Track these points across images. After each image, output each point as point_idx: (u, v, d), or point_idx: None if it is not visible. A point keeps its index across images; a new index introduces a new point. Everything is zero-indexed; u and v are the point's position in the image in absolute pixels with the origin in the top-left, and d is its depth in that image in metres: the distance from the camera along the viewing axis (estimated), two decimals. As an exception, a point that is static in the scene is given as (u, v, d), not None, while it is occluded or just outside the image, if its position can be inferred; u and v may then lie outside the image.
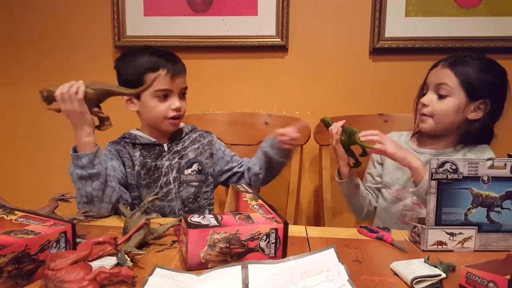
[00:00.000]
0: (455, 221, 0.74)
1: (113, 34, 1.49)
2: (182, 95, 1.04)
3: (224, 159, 1.12)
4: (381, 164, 1.11)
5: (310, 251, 0.72)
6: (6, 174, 1.64)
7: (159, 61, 0.99)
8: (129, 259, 0.62)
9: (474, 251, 0.75)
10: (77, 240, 0.69)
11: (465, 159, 0.73)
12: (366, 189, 1.12)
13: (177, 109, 1.00)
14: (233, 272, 0.61)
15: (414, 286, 0.59)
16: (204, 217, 0.69)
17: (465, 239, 0.74)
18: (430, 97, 0.99)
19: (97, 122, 0.92)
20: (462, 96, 0.95)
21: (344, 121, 0.99)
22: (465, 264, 0.60)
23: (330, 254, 0.65)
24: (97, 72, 1.51)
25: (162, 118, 1.00)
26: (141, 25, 1.47)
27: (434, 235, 0.74)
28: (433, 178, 0.73)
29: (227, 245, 0.65)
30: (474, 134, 0.98)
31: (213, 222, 0.67)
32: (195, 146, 1.08)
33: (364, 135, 0.94)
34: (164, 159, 1.04)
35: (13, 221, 0.68)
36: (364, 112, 1.35)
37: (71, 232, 0.67)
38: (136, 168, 1.01)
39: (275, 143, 1.05)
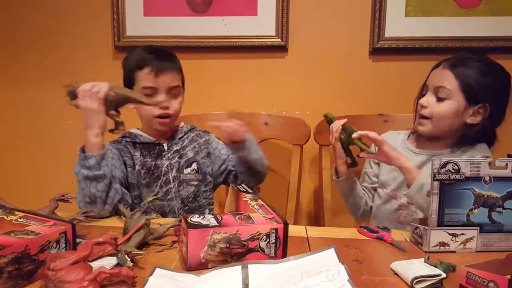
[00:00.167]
0: (457, 222, 0.74)
1: (113, 34, 1.49)
2: (171, 93, 1.02)
3: (220, 158, 1.12)
4: (378, 164, 1.11)
5: (310, 251, 0.72)
6: (6, 174, 1.64)
7: (146, 59, 0.99)
8: (129, 259, 0.62)
9: (476, 251, 0.74)
10: (77, 240, 0.69)
11: (467, 160, 0.73)
12: (362, 188, 1.12)
13: (164, 108, 0.99)
14: (233, 272, 0.61)
15: (414, 286, 0.59)
16: (204, 217, 0.69)
17: (467, 240, 0.74)
18: (428, 99, 0.98)
19: (111, 126, 0.92)
20: (461, 99, 0.94)
21: (346, 119, 0.99)
22: (465, 264, 0.60)
23: (330, 254, 0.65)
24: (97, 72, 1.51)
25: (151, 116, 1.01)
26: (141, 25, 1.47)
27: (437, 236, 0.74)
28: (435, 178, 0.72)
29: (227, 245, 0.65)
30: (472, 137, 0.98)
31: (213, 222, 0.67)
32: (193, 145, 1.08)
33: (360, 134, 0.94)
34: (164, 158, 1.04)
35: (13, 221, 0.68)
36: (364, 112, 1.35)
37: (71, 232, 0.67)
38: (137, 167, 1.02)
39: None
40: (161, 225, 0.80)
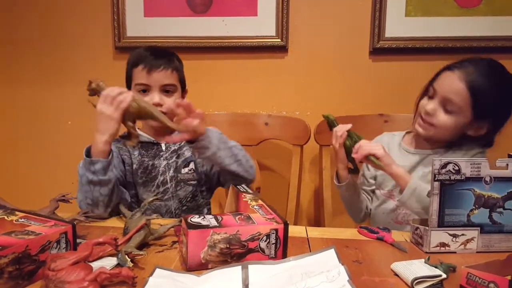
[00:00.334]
0: (458, 223, 0.74)
1: (113, 35, 1.49)
2: (165, 92, 1.01)
3: None
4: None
5: (310, 251, 0.72)
6: (6, 174, 1.64)
7: (141, 56, 1.00)
8: (129, 259, 0.62)
9: (477, 252, 0.74)
10: (78, 240, 0.69)
11: (467, 160, 0.73)
12: (362, 192, 1.12)
13: (156, 105, 0.98)
14: (233, 272, 0.61)
15: (415, 286, 0.59)
16: (204, 217, 0.69)
17: (468, 240, 0.74)
18: (435, 107, 0.94)
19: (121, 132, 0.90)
20: (469, 115, 0.92)
21: (351, 125, 0.98)
22: (466, 265, 0.59)
23: (330, 255, 0.65)
24: (97, 73, 1.49)
25: None
26: (141, 26, 1.47)
27: (437, 236, 0.74)
28: (435, 179, 0.72)
29: (227, 246, 0.65)
30: (470, 142, 0.97)
31: (213, 222, 0.67)
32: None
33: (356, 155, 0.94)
34: (162, 158, 1.04)
35: (14, 221, 0.68)
36: (364, 112, 1.35)
37: (71, 232, 0.67)
38: (134, 166, 1.02)
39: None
40: (161, 225, 0.80)
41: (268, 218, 0.70)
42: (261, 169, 1.38)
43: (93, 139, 0.86)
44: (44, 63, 1.56)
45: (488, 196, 0.73)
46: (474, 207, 0.74)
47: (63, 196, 0.86)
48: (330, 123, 1.02)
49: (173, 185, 1.04)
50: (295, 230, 0.82)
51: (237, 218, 0.70)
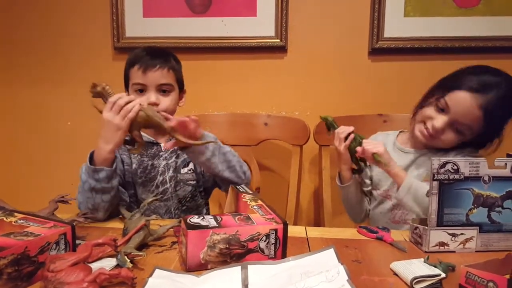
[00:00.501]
0: (457, 222, 0.74)
1: (112, 36, 1.49)
2: (162, 91, 1.01)
3: None
4: (369, 166, 1.11)
5: (309, 251, 0.72)
6: (5, 175, 1.64)
7: (138, 56, 1.00)
8: (128, 260, 0.62)
9: (476, 251, 0.75)
10: (77, 241, 0.69)
11: (466, 159, 0.73)
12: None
13: (152, 104, 0.97)
14: (233, 273, 0.61)
15: (414, 286, 0.59)
16: (204, 218, 0.69)
17: (467, 240, 0.74)
18: (445, 128, 0.94)
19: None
20: (476, 132, 0.93)
21: (353, 128, 0.98)
22: (465, 264, 0.60)
23: (329, 255, 0.65)
24: (96, 73, 1.51)
25: None
26: (140, 26, 1.47)
27: (436, 236, 0.74)
28: (434, 178, 0.73)
29: (227, 246, 0.65)
30: (465, 144, 0.98)
31: (213, 223, 0.67)
32: None
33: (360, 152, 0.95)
34: (161, 158, 1.04)
35: (13, 223, 0.68)
36: (363, 112, 1.35)
37: (70, 233, 0.67)
38: (133, 166, 1.02)
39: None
40: (160, 226, 0.80)
41: (268, 218, 0.70)
42: (261, 169, 1.38)
43: (97, 146, 0.84)
44: (43, 63, 1.56)
45: (487, 195, 0.73)
46: (473, 207, 0.74)
47: (63, 197, 0.86)
48: (329, 125, 1.02)
49: (173, 185, 1.04)
50: (294, 230, 0.82)
51: (236, 218, 0.70)
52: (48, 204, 0.84)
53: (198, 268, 0.64)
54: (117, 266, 0.64)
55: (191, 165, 1.07)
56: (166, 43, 1.44)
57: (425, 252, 0.74)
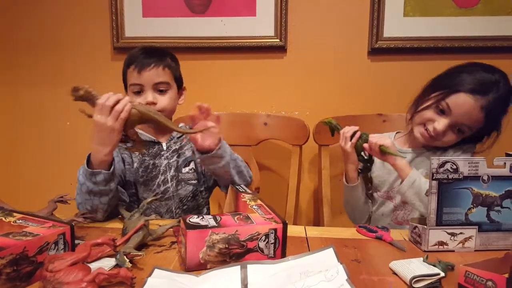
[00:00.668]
0: (456, 221, 0.74)
1: (111, 35, 1.49)
2: (159, 91, 1.00)
3: None
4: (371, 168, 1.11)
5: (309, 251, 0.72)
6: (5, 175, 1.64)
7: (133, 57, 1.00)
8: (128, 260, 0.62)
9: (475, 250, 0.75)
10: (76, 241, 0.69)
11: (465, 159, 0.73)
12: None
13: (149, 104, 0.97)
14: (232, 272, 0.61)
15: (413, 285, 0.59)
16: (203, 217, 0.69)
17: (466, 239, 0.74)
18: (446, 131, 0.95)
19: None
20: (475, 130, 0.94)
21: (358, 127, 0.99)
22: (464, 263, 0.60)
23: (329, 254, 0.65)
24: (96, 73, 1.51)
25: None
26: (140, 26, 1.47)
27: (435, 235, 0.74)
28: (433, 178, 0.73)
29: (226, 246, 0.65)
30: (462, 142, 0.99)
31: (212, 222, 0.67)
32: (191, 144, 1.08)
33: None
34: (163, 157, 1.04)
35: (12, 223, 0.68)
36: (363, 112, 1.35)
37: (69, 233, 0.67)
38: (135, 165, 1.02)
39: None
40: (160, 226, 0.80)
41: (267, 218, 0.70)
42: (260, 169, 1.38)
43: (93, 149, 0.83)
44: (43, 63, 1.56)
45: (486, 194, 0.73)
46: (472, 206, 0.74)
47: (62, 197, 0.86)
48: (333, 128, 1.03)
49: (174, 184, 1.04)
50: (294, 230, 0.82)
51: (236, 218, 0.70)
52: (47, 204, 0.84)
53: (197, 268, 0.64)
54: (116, 266, 0.64)
55: (192, 165, 1.07)
56: (165, 43, 1.44)
57: (424, 251, 0.74)
